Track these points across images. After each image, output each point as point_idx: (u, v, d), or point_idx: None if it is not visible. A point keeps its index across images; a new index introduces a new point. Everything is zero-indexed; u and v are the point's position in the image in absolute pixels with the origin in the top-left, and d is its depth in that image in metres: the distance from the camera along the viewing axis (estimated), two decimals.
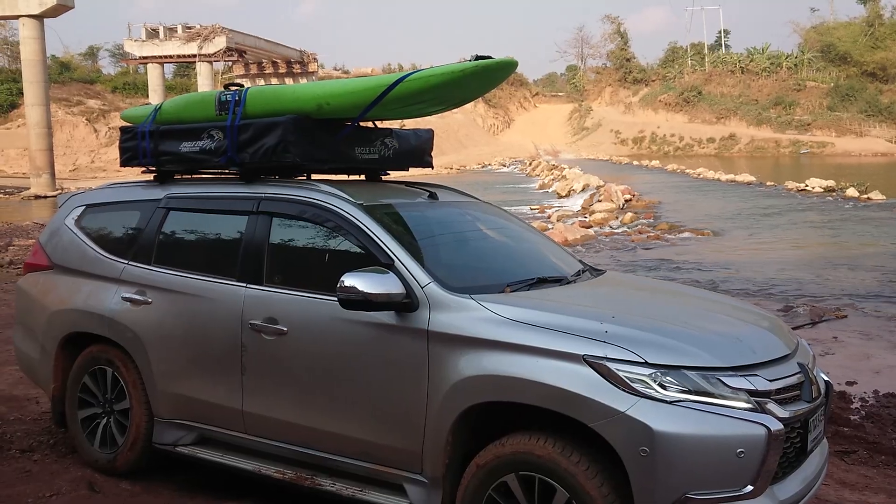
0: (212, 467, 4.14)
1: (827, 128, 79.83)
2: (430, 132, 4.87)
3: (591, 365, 2.96)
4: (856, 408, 6.59)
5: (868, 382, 7.28)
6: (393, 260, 3.52)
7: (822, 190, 33.52)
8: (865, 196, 30.16)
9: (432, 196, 4.36)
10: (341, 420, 3.63)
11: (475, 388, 3.21)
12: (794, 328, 9.54)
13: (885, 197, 29.35)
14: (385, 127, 4.60)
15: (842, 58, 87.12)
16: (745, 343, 3.24)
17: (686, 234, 20.47)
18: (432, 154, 4.90)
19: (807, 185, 34.50)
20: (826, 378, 3.56)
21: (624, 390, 2.90)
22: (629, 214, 24.50)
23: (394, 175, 4.87)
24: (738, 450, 2.82)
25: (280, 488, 3.88)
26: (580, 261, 4.49)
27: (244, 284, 3.99)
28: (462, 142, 79.91)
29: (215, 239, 4.48)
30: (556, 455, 2.98)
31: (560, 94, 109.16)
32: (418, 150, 4.75)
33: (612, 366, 2.93)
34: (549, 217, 25.03)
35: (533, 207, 28.60)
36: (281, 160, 4.03)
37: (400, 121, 5.21)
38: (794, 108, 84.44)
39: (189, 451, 4.23)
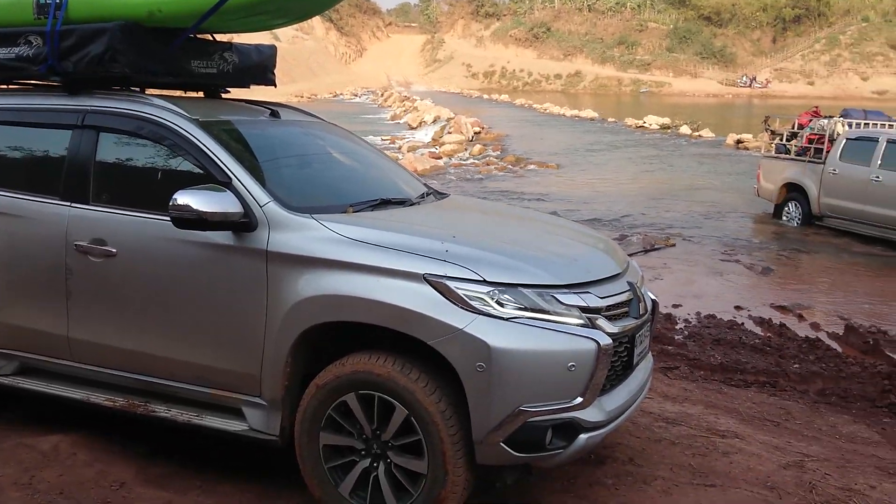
0: (37, 398, 3.91)
1: (665, 68, 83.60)
2: (273, 48, 4.66)
3: (430, 283, 2.97)
4: (680, 328, 7.06)
5: (691, 305, 7.80)
6: (230, 178, 3.37)
7: (659, 127, 35.24)
8: (697, 134, 31.98)
9: (274, 114, 4.19)
10: (176, 345, 3.49)
11: (315, 309, 3.16)
12: (629, 255, 10.10)
13: (714, 135, 31.21)
14: (225, 41, 4.36)
15: (681, 1, 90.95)
16: (578, 262, 3.34)
17: (532, 167, 21.01)
18: (275, 73, 4.70)
19: (645, 122, 36.14)
20: (653, 297, 3.74)
21: (462, 308, 2.93)
22: (478, 146, 24.83)
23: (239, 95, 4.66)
24: (570, 364, 2.93)
25: (112, 416, 3.73)
26: (424, 184, 4.48)
27: (68, 203, 3.72)
28: (313, 69, 77.97)
29: (36, 155, 4.14)
30: (395, 373, 2.99)
31: (413, 24, 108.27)
32: (260, 67, 4.54)
33: (451, 284, 2.95)
34: (399, 148, 24.98)
35: (384, 138, 28.44)
36: (108, 71, 3.73)
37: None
38: (635, 48, 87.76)
39: (10, 382, 3.97)
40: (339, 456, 3.16)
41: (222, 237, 3.31)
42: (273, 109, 4.21)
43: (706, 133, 31.78)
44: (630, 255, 9.92)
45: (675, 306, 7.75)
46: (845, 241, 11.71)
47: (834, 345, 6.75)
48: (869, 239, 11.50)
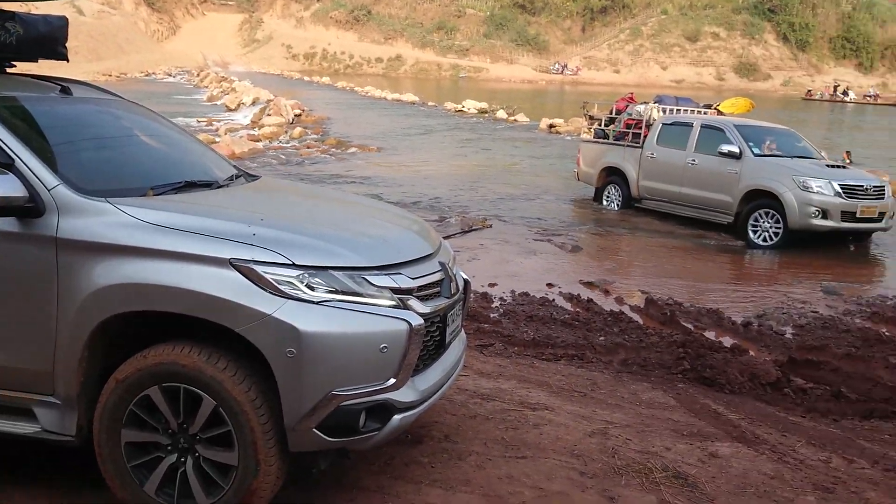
0: None
1: (483, 54, 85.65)
2: (64, 19, 4.31)
3: (237, 268, 2.87)
4: (495, 306, 7.27)
5: (506, 284, 8.05)
6: (13, 159, 3.09)
7: (477, 111, 36.09)
8: (513, 118, 33.04)
9: (65, 91, 3.89)
10: None
11: (113, 299, 2.97)
12: (446, 237, 10.26)
13: (528, 119, 32.38)
14: (6, 10, 3.99)
15: None
16: (390, 243, 3.34)
17: (353, 150, 20.91)
18: (66, 46, 4.36)
19: (463, 107, 36.89)
20: (465, 276, 3.81)
21: (271, 293, 2.85)
22: (298, 129, 24.39)
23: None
24: (382, 345, 2.93)
25: None
26: (234, 166, 4.32)
27: None
28: (122, 46, 73.61)
29: None
30: (201, 363, 2.87)
31: (230, 2, 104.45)
32: (49, 39, 4.19)
33: (259, 268, 2.87)
34: (217, 130, 24.08)
35: (200, 120, 27.34)
36: None
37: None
38: (454, 34, 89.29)
39: None
40: (142, 453, 3.00)
41: (6, 224, 3.04)
42: (64, 86, 3.91)
43: (521, 118, 32.91)
44: (448, 236, 10.18)
45: (491, 285, 7.98)
46: (659, 221, 12.42)
47: (636, 317, 7.20)
48: (683, 219, 12.23)
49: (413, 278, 3.17)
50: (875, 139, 32.61)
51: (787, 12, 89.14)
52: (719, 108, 14.42)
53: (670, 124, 12.74)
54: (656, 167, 12.59)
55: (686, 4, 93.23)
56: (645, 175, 12.81)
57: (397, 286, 3.07)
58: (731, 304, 7.96)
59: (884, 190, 11.00)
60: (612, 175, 13.52)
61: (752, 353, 6.16)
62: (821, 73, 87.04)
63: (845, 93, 69.42)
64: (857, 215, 10.56)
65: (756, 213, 11.00)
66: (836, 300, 8.21)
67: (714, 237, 11.47)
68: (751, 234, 11.02)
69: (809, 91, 72.11)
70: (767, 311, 7.60)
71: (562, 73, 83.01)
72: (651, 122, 13.03)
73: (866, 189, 10.73)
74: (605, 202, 13.64)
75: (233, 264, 2.88)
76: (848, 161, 12.62)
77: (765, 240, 10.90)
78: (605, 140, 13.89)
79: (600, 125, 14.35)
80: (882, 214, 10.80)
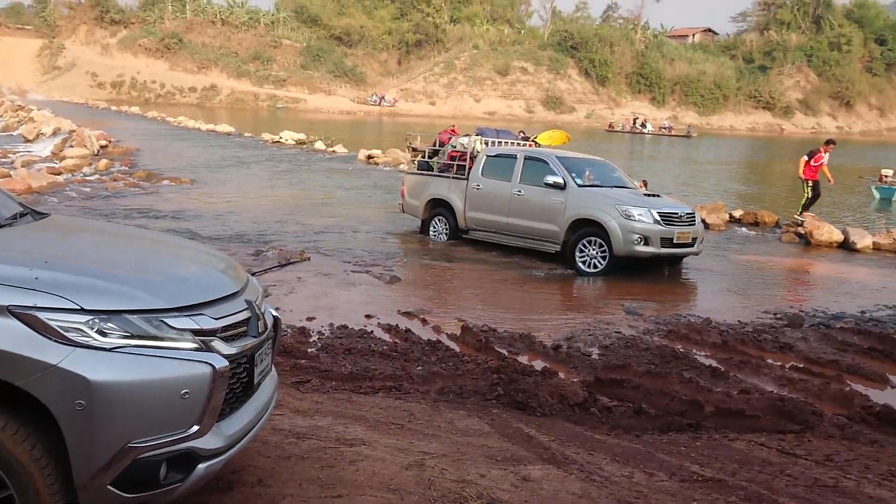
0: None
1: (301, 84, 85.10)
2: None
3: (17, 316, 2.64)
4: (313, 341, 7.17)
5: (325, 317, 7.97)
6: None
7: (295, 142, 35.76)
8: (331, 149, 33.02)
9: None
10: None
11: None
12: (264, 271, 10.04)
13: (347, 150, 32.47)
14: None
15: (313, 20, 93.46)
16: (191, 283, 3.21)
17: (165, 182, 20.07)
18: None
19: (281, 138, 36.44)
20: (274, 313, 3.72)
21: (58, 341, 2.65)
22: (104, 161, 23.11)
23: None
24: (183, 391, 2.79)
25: None
26: (20, 203, 4.01)
27: None
28: None
29: None
30: None
31: (28, 27, 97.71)
32: None
33: (42, 315, 2.65)
34: (12, 162, 22.35)
35: None
36: None
37: None
38: (271, 64, 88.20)
39: None
40: None
41: None
42: None
43: (340, 148, 32.93)
44: (265, 270, 9.97)
45: (309, 319, 7.87)
46: (485, 251, 12.62)
47: (453, 345, 7.32)
48: (510, 249, 12.52)
49: (216, 318, 3.05)
50: (668, 168, 35.29)
51: (587, 49, 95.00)
52: (537, 140, 15.00)
53: (494, 156, 13.02)
54: (483, 198, 12.81)
55: (496, 40, 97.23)
56: (471, 206, 12.99)
57: (199, 328, 2.95)
58: (543, 328, 8.28)
59: (695, 217, 11.87)
60: (438, 207, 13.61)
61: (561, 374, 6.42)
62: (619, 106, 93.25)
63: (643, 125, 74.85)
64: (675, 241, 11.28)
65: (582, 242, 11.47)
66: (637, 320, 8.73)
67: (540, 265, 11.82)
68: (578, 262, 11.48)
69: (611, 123, 77.06)
70: (576, 333, 7.96)
71: (379, 104, 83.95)
72: (475, 154, 13.29)
73: (681, 216, 11.50)
74: (431, 234, 13.69)
75: (11, 312, 2.64)
76: (644, 189, 13.51)
77: (591, 266, 11.38)
78: (430, 172, 14.00)
79: (424, 157, 14.44)
80: (694, 240, 11.62)
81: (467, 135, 14.36)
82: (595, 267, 11.36)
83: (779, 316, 9.19)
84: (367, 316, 8.22)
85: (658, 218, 11.16)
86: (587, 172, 12.26)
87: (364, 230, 14.31)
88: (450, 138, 14.35)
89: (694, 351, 7.48)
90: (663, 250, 11.26)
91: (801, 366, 7.11)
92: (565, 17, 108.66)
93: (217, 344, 2.98)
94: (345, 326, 7.63)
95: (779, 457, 4.59)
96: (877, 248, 14.80)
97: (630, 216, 11.11)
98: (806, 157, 17.03)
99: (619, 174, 12.95)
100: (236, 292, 3.34)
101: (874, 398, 6.20)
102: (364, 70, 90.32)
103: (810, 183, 17.01)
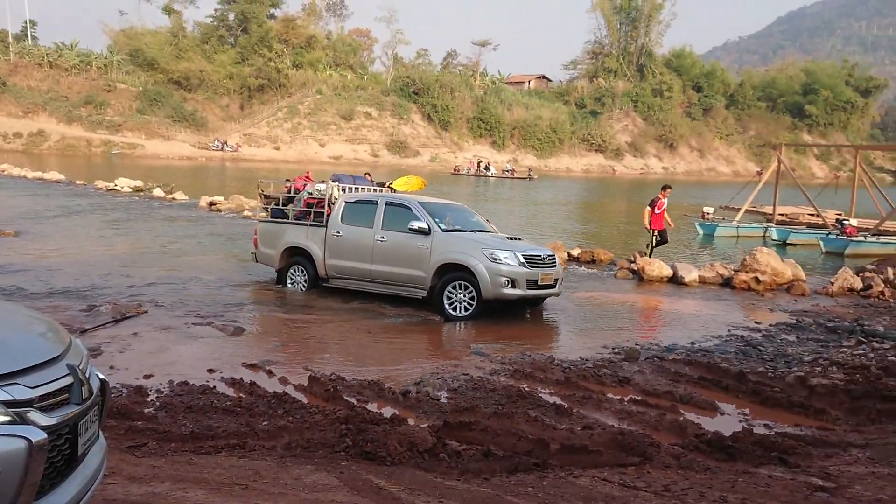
0: None
1: (137, 130, 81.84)
2: None
3: None
4: (151, 400, 6.80)
5: (163, 374, 7.60)
6: None
7: (132, 190, 34.29)
8: (171, 196, 31.88)
9: None
10: None
11: None
12: (96, 327, 9.48)
13: (187, 197, 31.46)
14: None
15: (149, 63, 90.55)
16: (2, 350, 2.96)
17: None
18: None
19: (116, 185, 34.85)
20: (101, 376, 3.50)
21: None
22: None
23: None
24: None
25: None
26: None
27: None
28: None
29: None
30: None
31: None
32: None
33: None
34: None
35: None
36: None
37: None
38: (105, 108, 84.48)
39: None
40: None
41: None
42: None
43: (180, 195, 31.87)
44: (98, 326, 9.44)
45: (146, 377, 7.48)
46: (343, 300, 12.38)
47: (300, 396, 7.15)
48: (374, 296, 12.38)
49: (33, 387, 2.83)
50: (511, 209, 36.43)
51: (429, 95, 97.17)
52: (392, 185, 14.91)
53: (354, 202, 12.86)
54: (344, 245, 12.61)
55: (339, 85, 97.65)
56: (332, 254, 12.75)
57: (12, 398, 2.72)
58: (393, 374, 8.24)
59: (555, 259, 12.19)
60: (296, 255, 13.25)
61: (410, 421, 6.39)
62: (462, 149, 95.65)
63: (487, 168, 77.05)
64: (539, 283, 11.52)
65: (450, 286, 11.51)
66: (484, 361, 8.87)
67: (397, 312, 11.77)
68: (446, 307, 11.49)
69: (457, 167, 78.84)
70: (425, 377, 7.98)
71: (222, 149, 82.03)
72: (333, 200, 13.12)
73: (543, 258, 11.77)
74: (289, 284, 13.29)
75: None
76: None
77: (460, 311, 11.44)
78: (285, 220, 13.68)
79: (277, 204, 14.09)
80: (556, 281, 11.93)
81: (323, 181, 14.19)
82: (464, 311, 11.43)
83: (616, 350, 9.59)
84: (210, 370, 7.91)
85: (523, 260, 11.38)
86: (448, 217, 12.39)
87: (207, 280, 13.79)
88: (305, 185, 14.12)
89: (539, 389, 7.67)
90: (529, 292, 11.49)
91: (639, 398, 7.44)
92: (407, 64, 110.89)
93: (34, 415, 2.77)
94: (185, 383, 7.30)
95: (620, 490, 4.74)
96: (702, 281, 15.82)
97: (497, 259, 11.26)
98: (648, 207, 18.07)
99: (477, 218, 13.17)
100: (57, 357, 3.12)
101: (706, 426, 6.56)
102: (205, 115, 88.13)
103: (656, 232, 18.05)
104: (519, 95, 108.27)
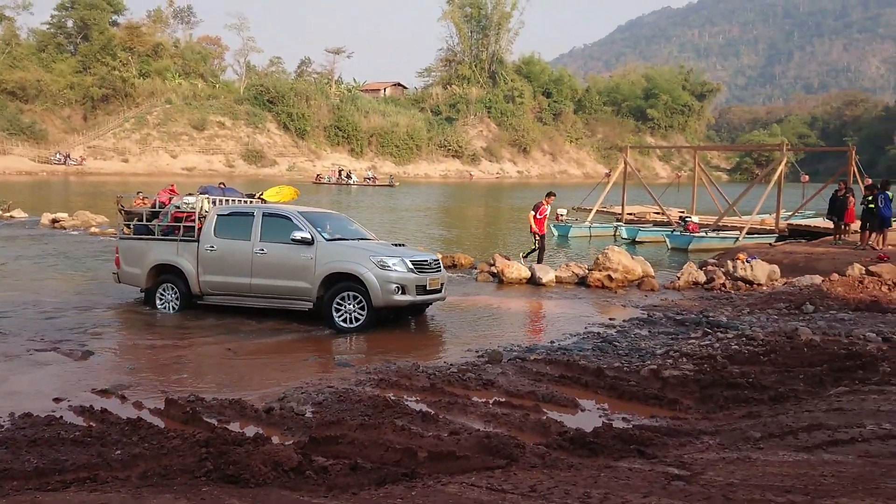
0: None
1: None
2: None
3: None
4: None
5: (3, 406, 7.06)
6: None
7: None
8: (9, 214, 29.97)
9: None
10: None
11: None
12: None
13: (28, 214, 29.65)
14: None
15: None
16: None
17: None
18: None
19: None
20: None
21: None
22: None
23: None
24: None
25: None
26: None
27: None
28: None
29: None
30: None
31: None
32: None
33: None
34: None
35: None
36: None
37: None
38: None
39: None
40: None
41: None
42: None
43: (19, 213, 29.99)
44: None
45: None
46: (216, 318, 11.90)
47: (156, 421, 6.83)
48: (253, 311, 11.97)
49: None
50: (373, 216, 36.38)
51: (284, 104, 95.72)
52: (263, 196, 14.32)
53: (227, 215, 12.31)
54: (219, 260, 12.03)
55: (190, 94, 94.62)
56: (206, 270, 12.11)
57: None
58: (256, 391, 8.02)
59: (440, 263, 12.24)
60: (165, 273, 12.52)
61: (275, 439, 6.23)
62: (320, 158, 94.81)
63: (349, 176, 76.73)
64: (427, 288, 11.51)
65: (339, 297, 11.25)
66: (349, 372, 8.77)
67: (280, 326, 11.49)
68: (336, 320, 11.25)
69: (318, 175, 78.05)
70: (288, 393, 7.80)
71: (65, 163, 77.71)
72: (203, 213, 12.50)
73: (430, 263, 11.78)
74: (159, 304, 12.52)
75: None
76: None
77: (350, 322, 11.23)
78: (151, 236, 12.87)
79: (140, 220, 13.23)
80: (442, 285, 11.98)
81: (190, 194, 13.51)
82: (355, 321, 11.24)
83: (480, 354, 9.73)
84: (56, 399, 7.43)
85: (412, 266, 11.33)
86: (328, 226, 12.11)
87: (50, 303, 12.95)
88: (170, 199, 13.41)
89: (405, 397, 7.66)
90: (419, 297, 11.46)
91: (504, 400, 7.56)
92: (260, 72, 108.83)
93: None
94: (28, 415, 6.81)
95: (489, 495, 4.78)
96: (559, 281, 16.33)
97: (385, 266, 11.14)
98: (532, 212, 18.58)
99: (356, 226, 12.99)
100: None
101: (568, 423, 6.74)
102: (45, 127, 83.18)
103: (538, 236, 18.55)
104: (375, 103, 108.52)
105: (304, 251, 11.53)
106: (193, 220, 12.46)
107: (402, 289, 11.23)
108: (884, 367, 8.05)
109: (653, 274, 16.60)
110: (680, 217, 28.54)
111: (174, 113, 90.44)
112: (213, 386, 8.23)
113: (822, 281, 14.55)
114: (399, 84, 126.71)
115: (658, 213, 31.12)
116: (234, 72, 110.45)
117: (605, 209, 32.39)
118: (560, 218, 28.75)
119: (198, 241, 12.26)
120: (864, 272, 14.88)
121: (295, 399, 7.58)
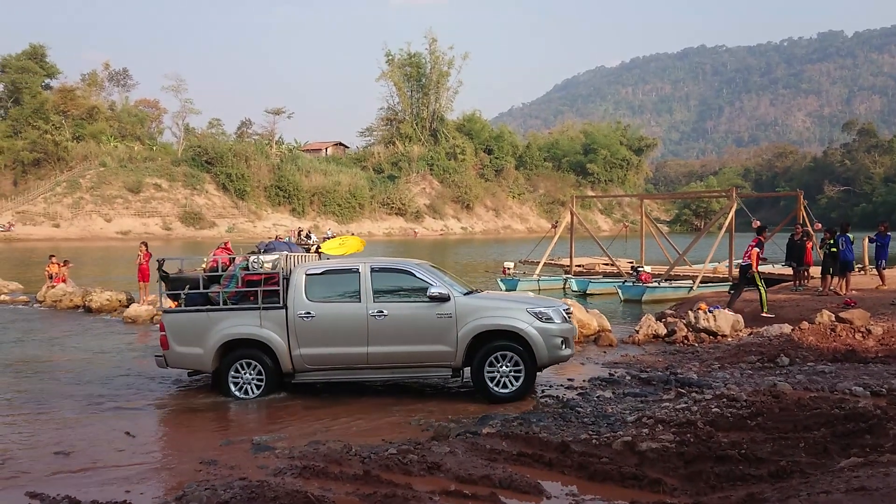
0: None
1: None
2: None
3: None
4: None
5: None
6: None
7: None
8: None
9: None
10: None
11: None
12: None
13: None
14: None
15: None
16: None
17: None
18: None
19: None
20: None
21: None
22: None
23: None
24: None
25: None
26: None
27: None
28: None
29: None
30: None
31: None
32: None
33: None
34: None
35: None
36: None
37: None
38: None
39: None
40: None
41: None
42: None
43: None
44: None
45: None
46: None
47: None
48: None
49: None
50: None
51: (223, 164, 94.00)
52: (321, 249, 12.45)
53: (319, 273, 10.36)
54: (320, 328, 10.06)
55: (125, 157, 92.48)
56: (302, 341, 10.08)
57: None
58: (152, 484, 6.60)
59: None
60: (241, 349, 10.31)
61: None
62: (261, 218, 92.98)
63: (308, 236, 74.81)
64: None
65: (492, 357, 9.81)
66: (268, 457, 7.34)
67: (191, 395, 9.94)
68: (490, 385, 9.84)
69: (278, 236, 75.82)
70: (190, 488, 6.33)
71: None
72: (288, 274, 10.46)
73: (570, 312, 10.74)
74: (234, 388, 10.23)
75: None
76: None
77: (505, 386, 9.85)
78: (214, 306, 10.51)
79: (195, 287, 10.71)
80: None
81: (253, 252, 11.39)
82: (509, 386, 9.84)
83: (424, 427, 8.37)
84: None
85: (566, 315, 10.21)
86: (444, 277, 10.53)
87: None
88: (231, 260, 11.16)
89: (332, 490, 6.23)
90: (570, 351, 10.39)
91: (453, 488, 6.20)
92: (199, 134, 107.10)
93: None
94: None
95: None
96: None
97: (547, 317, 9.89)
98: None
99: (449, 277, 11.13)
100: None
101: None
102: None
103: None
104: (317, 162, 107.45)
105: (439, 308, 9.92)
106: (276, 283, 10.43)
107: (565, 342, 10.06)
108: (894, 430, 6.92)
109: (609, 328, 15.48)
110: (632, 267, 27.66)
111: (108, 176, 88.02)
112: (97, 479, 6.72)
113: (792, 330, 13.54)
114: (341, 144, 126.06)
115: (607, 265, 30.28)
116: (173, 134, 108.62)
117: (552, 261, 31.45)
118: (507, 272, 27.67)
119: (285, 307, 10.27)
120: (833, 319, 13.98)
121: (196, 497, 6.10)
